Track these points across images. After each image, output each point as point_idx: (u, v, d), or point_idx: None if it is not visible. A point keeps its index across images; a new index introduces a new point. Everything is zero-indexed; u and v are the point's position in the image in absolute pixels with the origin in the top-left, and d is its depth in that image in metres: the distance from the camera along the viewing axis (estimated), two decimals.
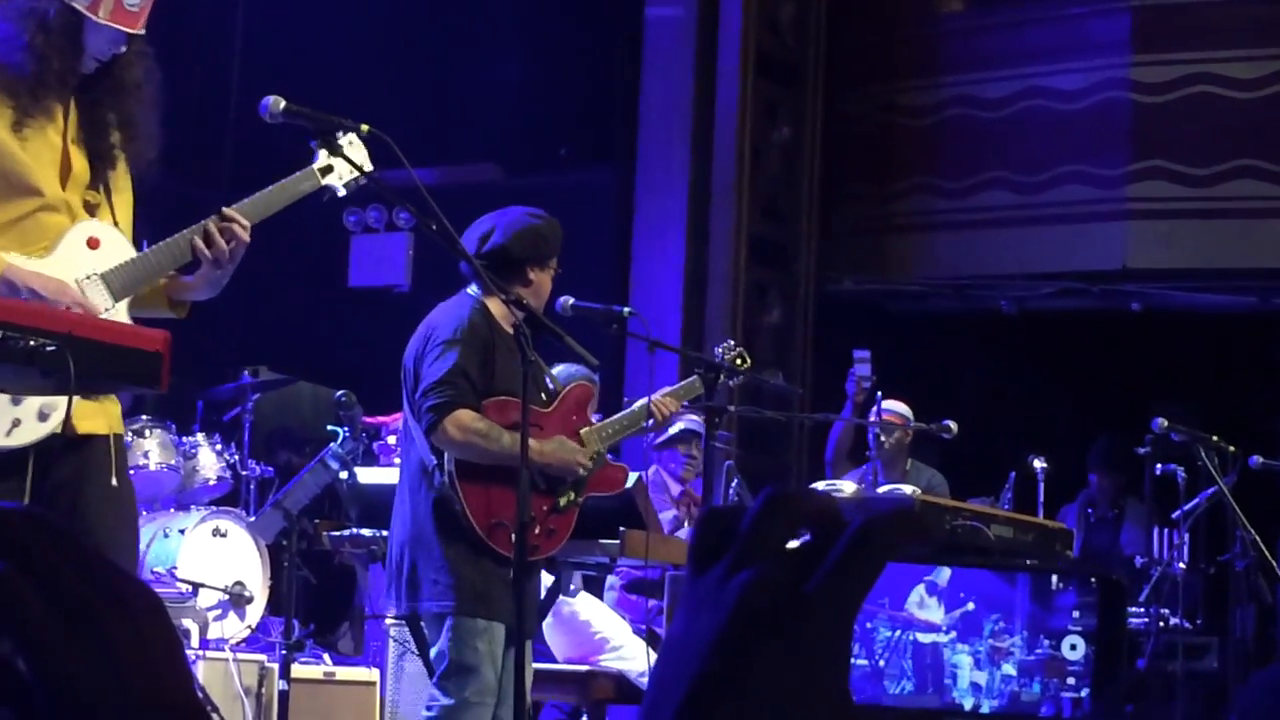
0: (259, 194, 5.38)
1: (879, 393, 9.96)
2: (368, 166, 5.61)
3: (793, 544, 1.10)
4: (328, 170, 5.57)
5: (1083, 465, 12.46)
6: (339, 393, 8.28)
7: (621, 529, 7.45)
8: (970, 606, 2.10)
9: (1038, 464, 10.66)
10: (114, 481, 5.17)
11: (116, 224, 5.26)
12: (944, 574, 2.03)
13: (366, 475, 8.39)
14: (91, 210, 5.23)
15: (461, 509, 6.37)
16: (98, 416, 5.15)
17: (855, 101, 14.49)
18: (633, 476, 7.99)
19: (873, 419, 9.85)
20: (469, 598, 6.41)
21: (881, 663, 2.15)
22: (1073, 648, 2.18)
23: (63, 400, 4.89)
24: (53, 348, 3.98)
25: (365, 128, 5.29)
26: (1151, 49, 13.40)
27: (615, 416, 7.28)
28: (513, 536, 6.20)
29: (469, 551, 6.40)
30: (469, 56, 13.79)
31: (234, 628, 9.12)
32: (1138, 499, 11.77)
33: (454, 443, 6.38)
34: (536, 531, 6.45)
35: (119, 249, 5.19)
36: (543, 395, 6.67)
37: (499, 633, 6.45)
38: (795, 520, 1.10)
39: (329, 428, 8.67)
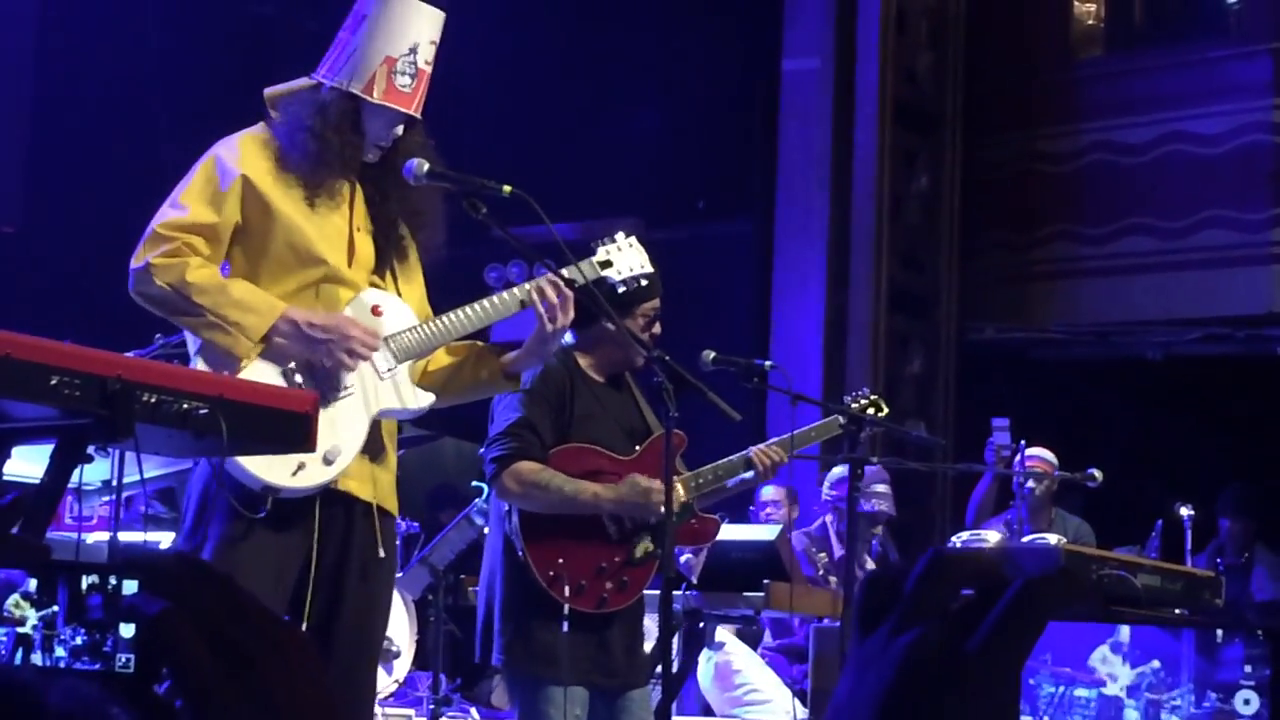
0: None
1: (1023, 440, 9.90)
2: (643, 268, 5.89)
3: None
4: (606, 264, 5.81)
5: None
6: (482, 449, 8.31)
7: (766, 581, 7.43)
8: (1156, 664, 2.08)
9: (1184, 512, 10.56)
10: (380, 553, 5.22)
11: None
12: (1126, 632, 2.01)
13: None
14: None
15: (524, 558, 6.11)
16: (365, 480, 5.20)
17: (994, 149, 14.43)
18: (774, 529, 7.97)
19: (1017, 468, 9.77)
20: (538, 659, 6.12)
21: (1045, 719, 2.14)
22: (1246, 702, 2.16)
23: (347, 447, 5.05)
24: (205, 410, 4.01)
25: (507, 189, 5.28)
26: None
27: (711, 465, 6.64)
28: (567, 590, 6.06)
29: (535, 606, 6.12)
30: (607, 110, 13.85)
31: (381, 682, 9.17)
32: (1265, 545, 11.68)
33: (512, 494, 6.19)
34: (608, 585, 6.17)
35: (403, 317, 5.32)
36: (636, 446, 6.37)
37: (576, 695, 6.11)
38: (957, 581, 1.11)
39: (473, 484, 8.71)
